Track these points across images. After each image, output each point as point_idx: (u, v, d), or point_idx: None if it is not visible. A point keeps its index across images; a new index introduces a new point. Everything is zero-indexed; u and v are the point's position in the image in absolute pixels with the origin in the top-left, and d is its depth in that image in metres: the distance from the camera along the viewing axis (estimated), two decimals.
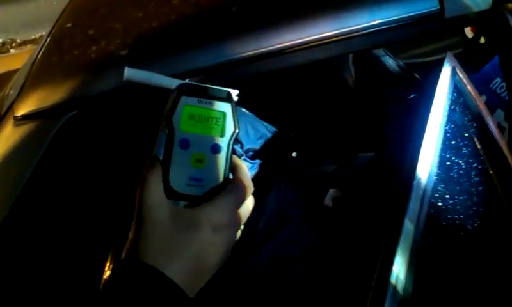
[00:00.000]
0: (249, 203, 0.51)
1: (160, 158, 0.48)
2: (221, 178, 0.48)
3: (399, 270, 0.62)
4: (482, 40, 1.92)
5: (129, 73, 0.50)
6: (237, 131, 0.49)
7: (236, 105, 0.50)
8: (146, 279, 0.42)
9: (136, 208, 0.46)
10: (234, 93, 0.50)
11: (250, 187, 0.50)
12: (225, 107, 0.49)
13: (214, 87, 0.49)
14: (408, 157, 0.69)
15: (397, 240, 0.62)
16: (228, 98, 0.49)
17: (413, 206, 0.66)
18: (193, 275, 0.45)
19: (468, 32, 2.02)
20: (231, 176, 0.50)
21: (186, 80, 0.50)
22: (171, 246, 0.44)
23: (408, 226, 0.63)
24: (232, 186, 0.48)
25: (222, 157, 0.48)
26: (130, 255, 0.44)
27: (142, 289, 0.41)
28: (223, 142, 0.49)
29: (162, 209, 0.45)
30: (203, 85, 0.49)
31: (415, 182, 0.68)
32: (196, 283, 0.45)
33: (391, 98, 1.12)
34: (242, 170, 0.50)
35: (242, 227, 0.50)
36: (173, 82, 0.51)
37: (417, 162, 0.66)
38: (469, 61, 1.72)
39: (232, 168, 0.50)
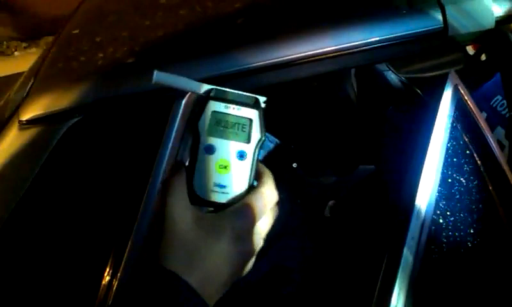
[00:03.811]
0: (271, 215, 0.49)
1: (186, 163, 0.48)
2: (245, 186, 0.48)
3: (397, 298, 0.62)
4: (483, 57, 1.93)
5: (158, 76, 0.50)
6: (263, 138, 0.49)
7: (263, 112, 0.50)
8: (167, 285, 0.41)
9: (160, 211, 0.46)
10: (261, 99, 0.50)
11: (275, 196, 0.49)
12: (252, 114, 0.49)
13: (242, 93, 0.49)
14: (409, 178, 0.70)
15: (396, 269, 0.62)
16: (255, 105, 0.49)
17: (413, 231, 0.65)
18: (213, 284, 0.44)
19: (470, 49, 2.03)
20: (255, 183, 0.50)
21: (213, 86, 0.50)
22: (193, 253, 0.44)
23: (407, 254, 0.63)
24: (256, 194, 0.47)
25: (247, 164, 0.48)
26: (152, 260, 0.44)
27: (162, 294, 0.41)
28: (249, 149, 0.49)
29: (185, 215, 0.45)
30: (231, 91, 0.49)
31: (415, 209, 0.68)
32: (215, 293, 0.45)
33: (391, 116, 1.13)
34: (267, 178, 0.49)
35: (263, 238, 0.49)
36: (200, 87, 0.50)
37: (418, 186, 0.67)
38: (470, 78, 1.73)
39: (257, 175, 0.49)
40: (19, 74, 1.20)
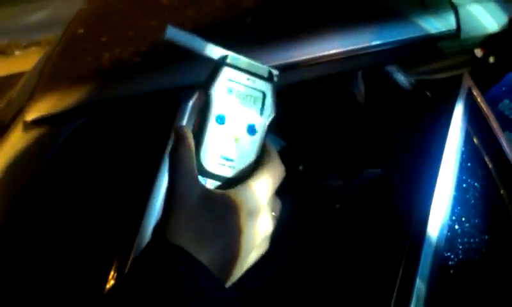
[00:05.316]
0: (280, 190, 0.46)
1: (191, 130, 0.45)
2: (252, 161, 0.45)
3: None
4: (492, 60, 1.91)
5: (171, 32, 0.44)
6: (274, 115, 0.46)
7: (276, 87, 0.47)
8: (174, 261, 0.37)
9: (167, 183, 0.42)
10: (274, 72, 0.47)
11: (283, 171, 0.46)
12: (266, 87, 0.46)
13: (257, 64, 0.46)
14: (423, 183, 0.68)
15: (413, 277, 0.60)
16: (269, 78, 0.46)
17: (430, 238, 0.64)
18: (227, 263, 0.40)
19: (478, 51, 2.02)
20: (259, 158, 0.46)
21: (229, 52, 0.46)
22: (203, 228, 0.40)
23: (424, 262, 0.61)
24: (268, 167, 0.44)
25: (256, 139, 0.45)
26: (158, 234, 0.40)
27: (169, 271, 0.37)
28: (260, 123, 0.46)
29: (194, 187, 0.41)
30: (247, 60, 0.46)
31: (431, 215, 0.66)
32: (231, 273, 0.41)
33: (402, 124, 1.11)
34: (273, 153, 0.46)
35: (275, 214, 0.45)
36: (215, 51, 0.46)
37: (434, 192, 0.65)
38: (477, 80, 1.71)
39: (262, 151, 0.46)
40: (20, 74, 1.19)
